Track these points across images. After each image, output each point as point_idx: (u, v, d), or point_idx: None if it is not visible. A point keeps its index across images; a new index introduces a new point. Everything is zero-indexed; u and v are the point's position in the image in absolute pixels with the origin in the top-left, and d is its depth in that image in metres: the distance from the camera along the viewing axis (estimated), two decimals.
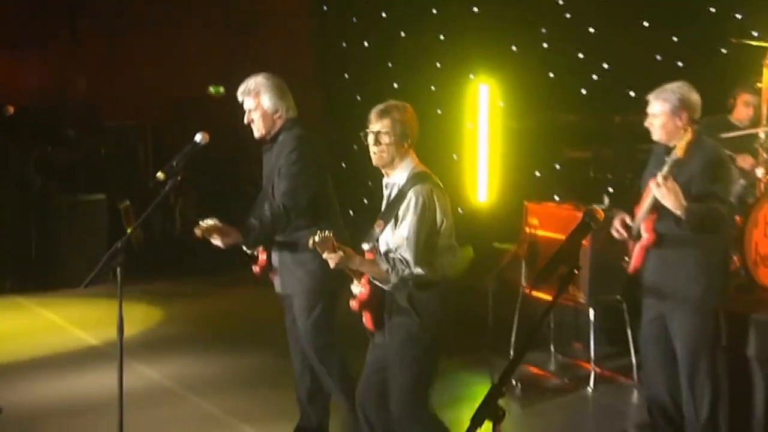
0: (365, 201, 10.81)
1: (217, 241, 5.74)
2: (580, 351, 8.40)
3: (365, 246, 5.29)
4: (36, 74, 12.31)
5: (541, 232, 8.02)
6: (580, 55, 11.01)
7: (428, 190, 5.14)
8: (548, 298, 8.08)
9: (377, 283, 5.21)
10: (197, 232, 5.68)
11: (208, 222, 5.71)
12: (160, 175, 5.50)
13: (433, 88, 12.56)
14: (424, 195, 5.11)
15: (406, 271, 5.09)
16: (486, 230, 10.47)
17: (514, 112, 11.41)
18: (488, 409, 3.44)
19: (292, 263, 6.03)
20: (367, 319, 5.35)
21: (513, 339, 8.29)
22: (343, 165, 12.12)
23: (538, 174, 10.90)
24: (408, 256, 5.08)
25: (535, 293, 8.15)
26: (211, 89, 12.30)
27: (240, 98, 6.04)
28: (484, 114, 11.55)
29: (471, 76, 11.95)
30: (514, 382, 7.66)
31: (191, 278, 11.57)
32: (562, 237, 7.72)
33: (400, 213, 5.13)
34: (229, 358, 8.55)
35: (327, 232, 5.08)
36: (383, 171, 5.30)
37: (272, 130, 6.01)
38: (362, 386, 5.43)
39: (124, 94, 12.48)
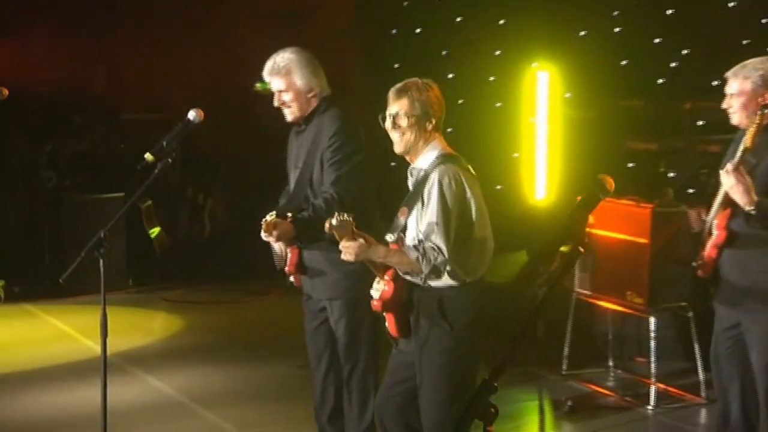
0: None
1: (271, 238, 5.65)
2: (642, 366, 8.17)
3: (389, 237, 5.16)
4: (52, 60, 12.35)
5: (597, 232, 7.81)
6: (657, 40, 10.78)
7: (455, 171, 5.01)
8: (607, 305, 7.95)
9: (408, 277, 5.08)
10: (264, 226, 5.57)
11: (271, 216, 5.60)
12: (148, 156, 5.44)
13: (492, 78, 12.41)
14: (450, 175, 4.98)
15: (439, 259, 4.94)
16: (545, 231, 10.24)
17: (576, 101, 11.22)
18: (477, 408, 3.28)
19: (326, 264, 5.84)
20: (390, 322, 5.22)
21: (566, 351, 8.15)
22: (393, 164, 12.06)
23: (599, 169, 10.67)
24: (439, 241, 4.94)
25: (590, 300, 8.03)
26: (258, 86, 12.32)
27: (267, 78, 5.90)
28: (543, 104, 11.38)
29: (534, 65, 11.77)
30: (564, 399, 7.50)
31: (217, 285, 11.50)
32: (621, 236, 7.62)
33: (425, 197, 5.00)
34: (247, 370, 8.52)
35: (346, 215, 4.94)
36: (408, 158, 5.19)
37: (306, 112, 5.87)
38: (382, 396, 5.32)
39: (150, 85, 12.49)
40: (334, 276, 5.83)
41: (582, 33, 11.43)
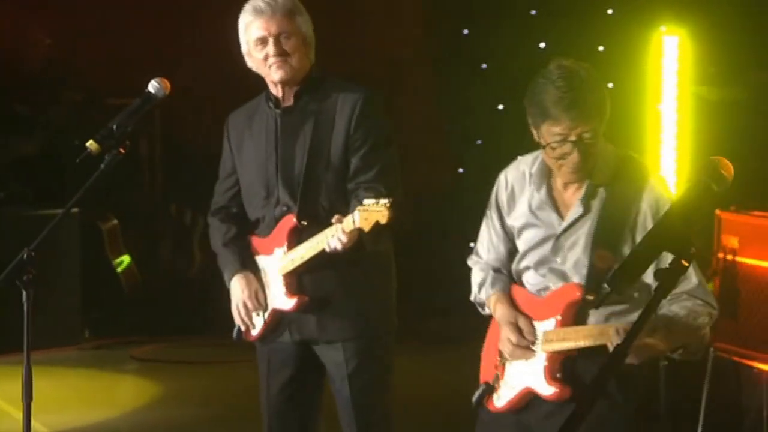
0: None
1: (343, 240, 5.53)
2: None
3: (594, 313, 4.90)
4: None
5: (745, 260, 7.61)
6: None
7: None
8: (763, 367, 7.75)
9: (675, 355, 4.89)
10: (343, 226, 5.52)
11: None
12: (91, 144, 5.39)
13: (601, 48, 12.39)
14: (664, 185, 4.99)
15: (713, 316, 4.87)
16: None
17: (723, 78, 11.12)
18: None
19: (341, 294, 5.83)
20: None
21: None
22: (460, 170, 12.24)
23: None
24: (706, 291, 4.85)
25: (736, 359, 7.83)
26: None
27: (256, 17, 5.83)
28: (671, 83, 11.09)
29: (662, 29, 11.54)
30: None
31: (208, 338, 11.45)
32: None
33: (638, 228, 4.83)
34: None
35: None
36: None
37: (299, 75, 5.85)
38: None
39: (123, 63, 12.38)
40: (348, 311, 5.84)
41: None
